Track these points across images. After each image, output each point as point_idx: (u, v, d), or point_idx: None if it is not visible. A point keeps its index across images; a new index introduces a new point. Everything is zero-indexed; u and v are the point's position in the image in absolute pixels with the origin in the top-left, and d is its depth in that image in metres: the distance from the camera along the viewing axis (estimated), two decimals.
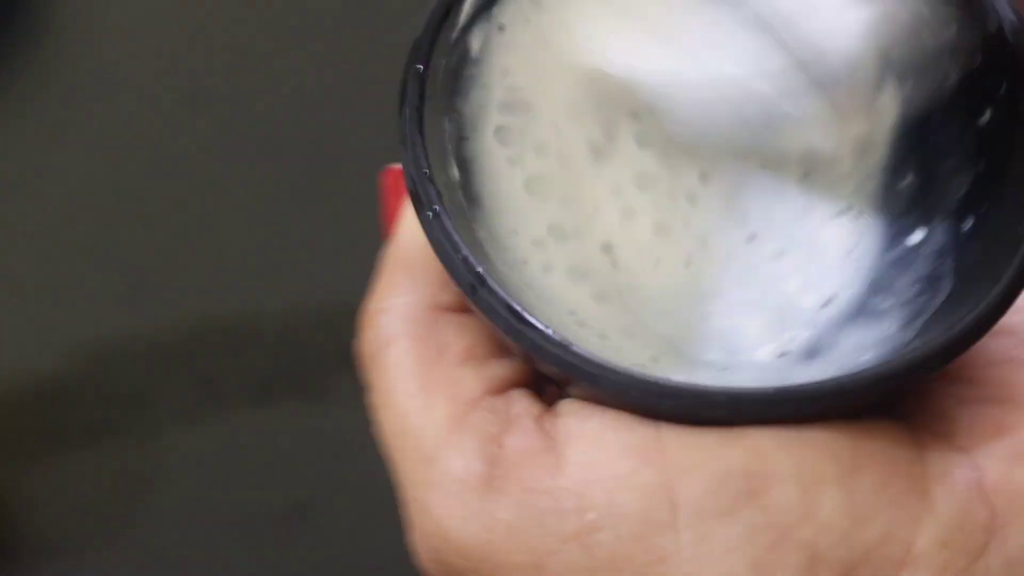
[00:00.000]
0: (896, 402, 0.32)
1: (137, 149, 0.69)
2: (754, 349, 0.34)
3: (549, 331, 0.31)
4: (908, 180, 0.35)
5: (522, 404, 0.32)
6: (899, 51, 0.34)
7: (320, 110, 0.70)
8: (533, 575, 0.31)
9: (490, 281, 0.32)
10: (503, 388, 0.33)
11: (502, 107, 0.37)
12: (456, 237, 0.32)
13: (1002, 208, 0.34)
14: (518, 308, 0.31)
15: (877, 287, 0.35)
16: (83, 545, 0.55)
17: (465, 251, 0.32)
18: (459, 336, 0.34)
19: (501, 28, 0.36)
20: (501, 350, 0.34)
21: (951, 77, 0.35)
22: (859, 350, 0.33)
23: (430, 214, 0.33)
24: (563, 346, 0.31)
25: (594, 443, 0.31)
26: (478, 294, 0.32)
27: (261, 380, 0.60)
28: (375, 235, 0.68)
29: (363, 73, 0.72)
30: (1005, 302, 0.31)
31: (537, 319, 0.31)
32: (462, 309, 0.34)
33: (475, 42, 0.36)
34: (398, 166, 0.36)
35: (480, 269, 0.32)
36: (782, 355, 0.34)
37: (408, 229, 0.36)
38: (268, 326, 0.62)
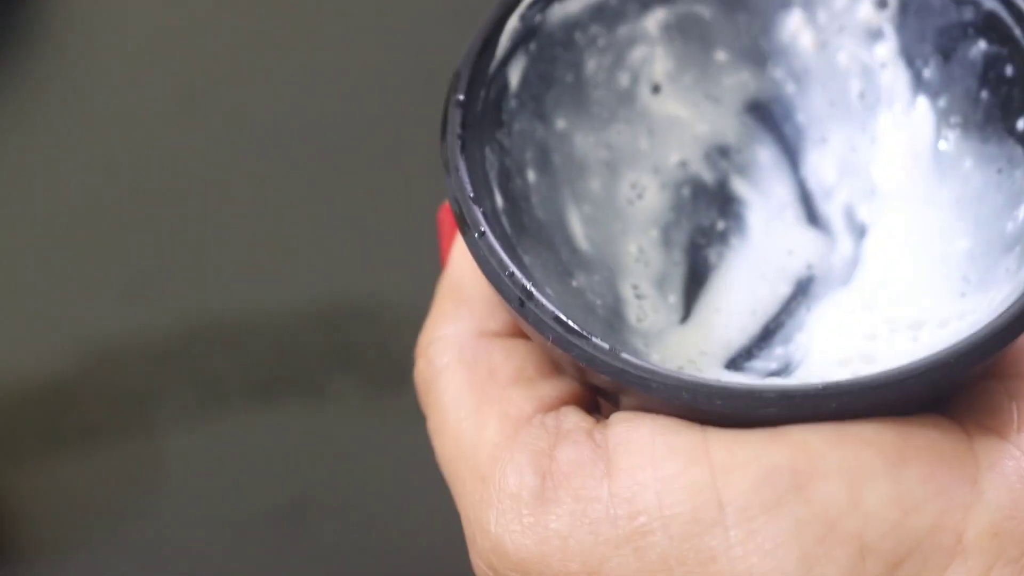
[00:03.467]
0: (945, 397, 0.32)
1: (137, 149, 0.69)
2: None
3: (598, 340, 0.32)
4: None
5: (573, 419, 0.33)
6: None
7: (321, 110, 0.70)
8: None
9: (537, 295, 0.33)
10: (554, 406, 0.34)
11: (542, 139, 0.38)
12: (502, 255, 0.33)
13: None
14: (566, 319, 0.32)
15: None
16: (83, 545, 0.55)
17: (512, 267, 0.33)
18: (508, 359, 0.34)
19: (537, 60, 0.37)
20: (551, 370, 0.35)
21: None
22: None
23: (476, 235, 0.34)
24: (613, 353, 0.32)
25: (642, 448, 0.31)
26: (526, 308, 0.33)
27: (261, 380, 0.60)
28: (375, 235, 0.68)
29: (364, 73, 0.72)
30: None
31: (585, 329, 0.32)
32: (510, 333, 0.35)
33: (513, 76, 0.37)
34: None
35: (527, 284, 0.33)
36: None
37: (457, 260, 0.37)
38: (268, 326, 0.62)
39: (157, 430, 0.59)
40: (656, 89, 0.39)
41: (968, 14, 0.37)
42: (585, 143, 0.38)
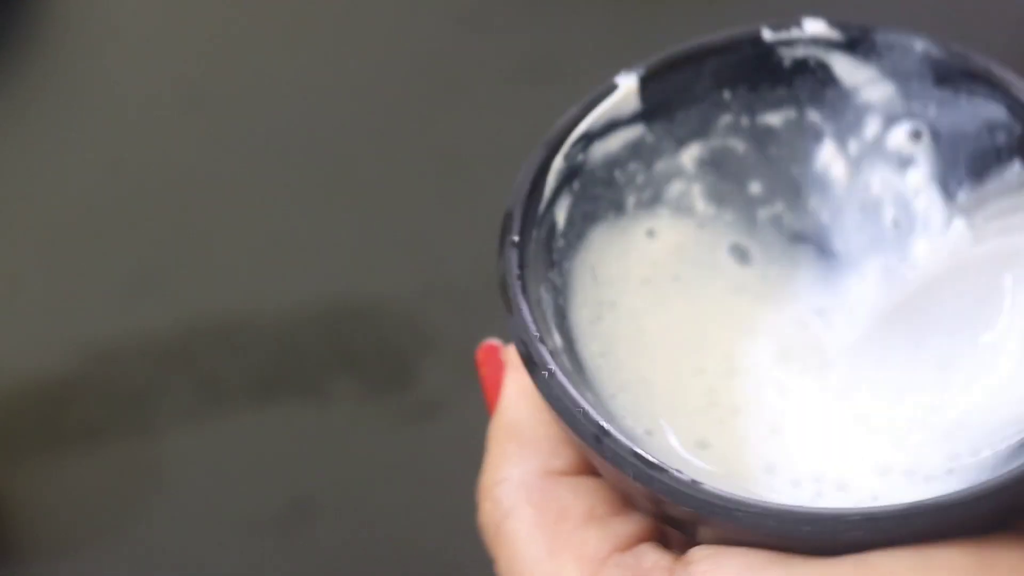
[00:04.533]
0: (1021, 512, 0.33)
1: (137, 149, 0.69)
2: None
3: (679, 472, 0.32)
4: None
5: (651, 557, 0.33)
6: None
7: (321, 110, 0.70)
8: None
9: (613, 431, 0.33)
10: (630, 544, 0.34)
11: (591, 278, 0.38)
12: (573, 393, 0.33)
13: None
14: (644, 454, 0.32)
15: None
16: (83, 545, 0.55)
17: (584, 404, 0.33)
18: (578, 498, 0.34)
19: (580, 199, 0.38)
20: (621, 506, 0.35)
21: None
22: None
23: (545, 374, 0.34)
24: (695, 485, 0.32)
25: None
26: (603, 444, 0.33)
27: (261, 380, 0.60)
28: (375, 235, 0.68)
29: (364, 73, 0.72)
30: None
31: (664, 462, 0.32)
32: (575, 471, 0.35)
33: (560, 215, 0.38)
34: (491, 342, 0.38)
35: (601, 421, 0.33)
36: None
37: (512, 400, 0.37)
38: (268, 326, 0.62)
39: (157, 430, 0.59)
40: (686, 217, 0.40)
41: (1001, 138, 0.37)
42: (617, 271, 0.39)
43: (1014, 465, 0.32)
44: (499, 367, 0.37)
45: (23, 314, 0.63)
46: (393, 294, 0.61)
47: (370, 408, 0.58)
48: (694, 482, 0.32)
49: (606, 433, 0.33)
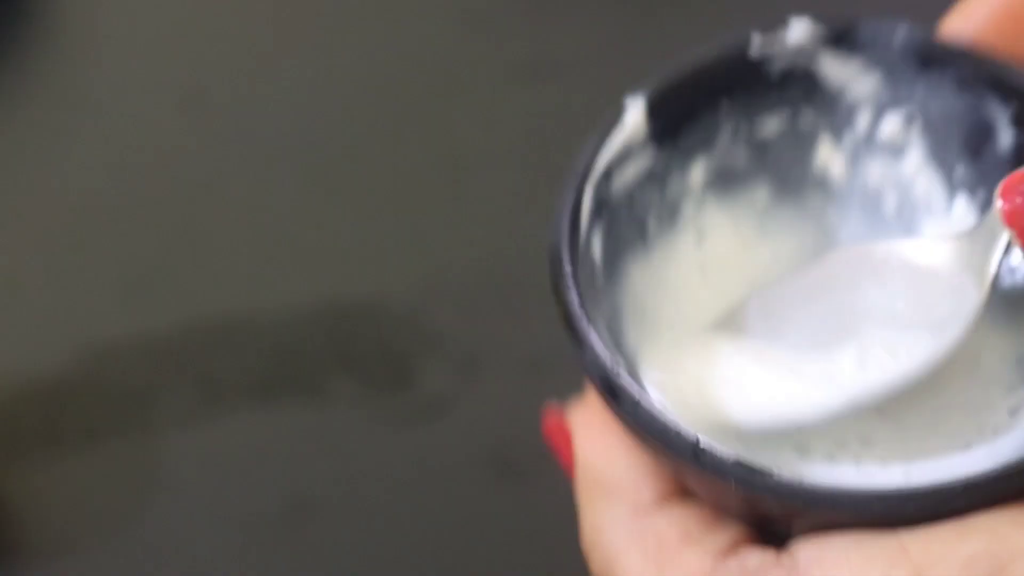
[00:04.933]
0: None
1: (137, 149, 0.69)
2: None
3: (777, 471, 0.34)
4: None
5: (754, 557, 0.35)
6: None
7: (321, 111, 0.70)
8: None
9: (705, 443, 0.34)
10: (729, 552, 0.36)
11: (631, 311, 0.39)
12: (662, 415, 0.35)
13: None
14: (742, 459, 0.34)
15: None
16: (83, 545, 0.55)
17: (675, 423, 0.35)
18: (671, 524, 0.36)
19: (610, 228, 0.40)
20: (711, 522, 0.36)
21: None
22: None
23: (633, 404, 0.35)
24: (797, 482, 0.34)
25: (838, 563, 0.33)
26: (703, 458, 0.34)
27: (261, 380, 0.60)
28: (375, 235, 0.68)
29: (364, 73, 0.72)
30: None
31: (760, 465, 0.34)
32: (662, 499, 0.37)
33: (596, 247, 0.39)
34: (554, 409, 0.40)
35: (695, 436, 0.34)
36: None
37: (586, 451, 0.39)
38: (268, 326, 0.62)
39: (157, 430, 0.59)
40: (706, 235, 0.41)
41: (990, 111, 0.39)
42: (653, 297, 0.40)
43: None
44: (567, 432, 0.39)
45: (23, 314, 0.63)
46: (393, 294, 0.61)
47: (370, 408, 0.58)
48: (796, 478, 0.34)
49: (702, 447, 0.34)
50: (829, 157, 0.41)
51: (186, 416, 0.59)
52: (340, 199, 0.66)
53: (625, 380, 0.35)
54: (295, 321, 0.62)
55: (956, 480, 0.33)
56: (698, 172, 0.41)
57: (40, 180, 0.69)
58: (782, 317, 0.39)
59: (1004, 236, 0.35)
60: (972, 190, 0.39)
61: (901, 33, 0.39)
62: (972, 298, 0.37)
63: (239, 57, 0.73)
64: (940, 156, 0.40)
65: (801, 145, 0.41)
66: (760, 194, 0.41)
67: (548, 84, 0.70)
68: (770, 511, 0.35)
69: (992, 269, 0.36)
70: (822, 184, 0.41)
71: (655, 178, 0.41)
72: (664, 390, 0.38)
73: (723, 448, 0.34)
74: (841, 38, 0.40)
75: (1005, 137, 0.39)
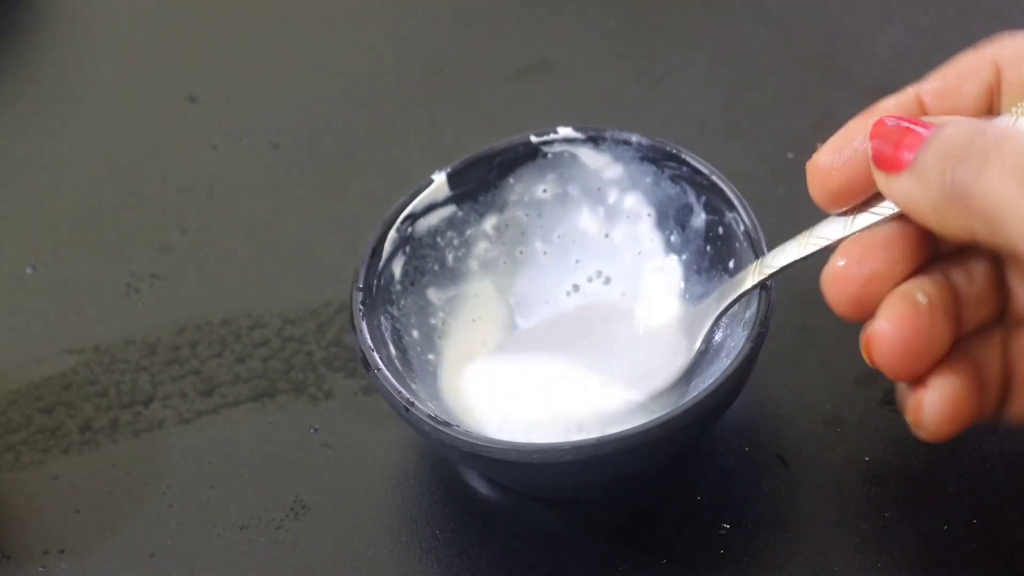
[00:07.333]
0: None
1: (137, 149, 0.69)
2: None
3: (458, 427, 0.51)
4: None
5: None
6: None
7: (321, 110, 0.70)
8: None
9: (417, 406, 0.51)
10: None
11: (421, 308, 0.57)
12: (393, 381, 0.52)
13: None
14: (436, 417, 0.51)
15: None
16: (83, 545, 0.55)
17: (401, 389, 0.52)
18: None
19: (412, 257, 0.57)
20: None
21: None
22: None
23: (376, 371, 0.52)
24: (477, 436, 0.52)
25: None
26: (409, 413, 0.51)
27: (261, 380, 0.60)
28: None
29: (364, 73, 0.72)
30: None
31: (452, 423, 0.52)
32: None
33: (397, 269, 0.56)
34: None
35: (409, 399, 0.51)
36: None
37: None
38: (268, 326, 0.62)
39: (157, 430, 0.59)
40: (491, 269, 0.58)
41: (691, 197, 0.56)
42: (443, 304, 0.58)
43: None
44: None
45: (23, 314, 0.63)
46: None
47: (370, 408, 0.58)
48: (471, 432, 0.51)
49: (410, 406, 0.51)
50: (588, 222, 0.58)
51: (186, 416, 0.59)
52: (340, 199, 0.66)
53: (375, 358, 0.52)
54: (295, 321, 0.62)
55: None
56: (490, 222, 0.58)
57: (40, 180, 0.69)
58: (545, 339, 0.56)
59: (715, 314, 0.53)
60: (680, 252, 0.57)
61: (635, 139, 0.57)
62: (681, 359, 0.54)
63: (239, 57, 0.73)
64: (661, 225, 0.57)
65: (566, 211, 0.58)
66: (538, 244, 0.58)
67: (548, 84, 0.70)
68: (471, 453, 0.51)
69: (698, 345, 0.53)
70: (584, 241, 0.58)
71: (455, 225, 0.57)
72: (454, 391, 0.55)
73: (425, 409, 0.51)
74: (594, 140, 0.57)
75: (699, 217, 0.56)
